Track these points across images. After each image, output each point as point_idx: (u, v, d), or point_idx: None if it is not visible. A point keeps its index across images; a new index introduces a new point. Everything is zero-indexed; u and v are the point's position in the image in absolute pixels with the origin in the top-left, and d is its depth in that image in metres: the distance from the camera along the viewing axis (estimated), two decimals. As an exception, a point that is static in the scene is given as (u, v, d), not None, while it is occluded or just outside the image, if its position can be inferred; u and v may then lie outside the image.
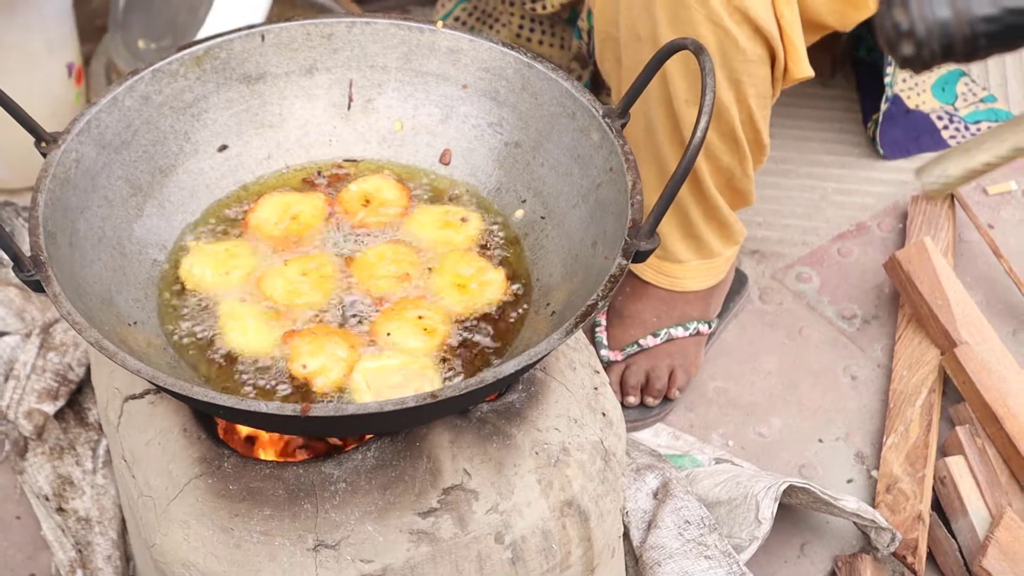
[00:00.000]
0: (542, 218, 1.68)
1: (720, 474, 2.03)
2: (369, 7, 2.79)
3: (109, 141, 1.63)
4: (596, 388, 1.69)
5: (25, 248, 2.12)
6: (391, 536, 1.49)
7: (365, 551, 1.48)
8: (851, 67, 2.71)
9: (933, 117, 2.64)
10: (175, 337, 1.59)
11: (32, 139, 1.58)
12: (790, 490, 1.98)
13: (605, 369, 2.20)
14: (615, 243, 1.50)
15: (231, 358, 1.56)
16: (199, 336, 1.59)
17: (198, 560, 1.50)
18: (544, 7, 2.41)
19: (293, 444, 1.74)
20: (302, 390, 1.53)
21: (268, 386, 1.54)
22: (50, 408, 2.09)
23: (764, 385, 2.27)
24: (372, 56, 1.75)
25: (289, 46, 1.74)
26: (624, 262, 1.47)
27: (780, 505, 1.97)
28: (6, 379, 2.12)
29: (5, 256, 1.70)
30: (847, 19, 1.99)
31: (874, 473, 2.14)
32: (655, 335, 2.20)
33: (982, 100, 2.67)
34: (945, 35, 0.95)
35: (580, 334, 1.74)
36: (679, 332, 2.21)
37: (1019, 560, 1.93)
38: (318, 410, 1.37)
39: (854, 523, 2.02)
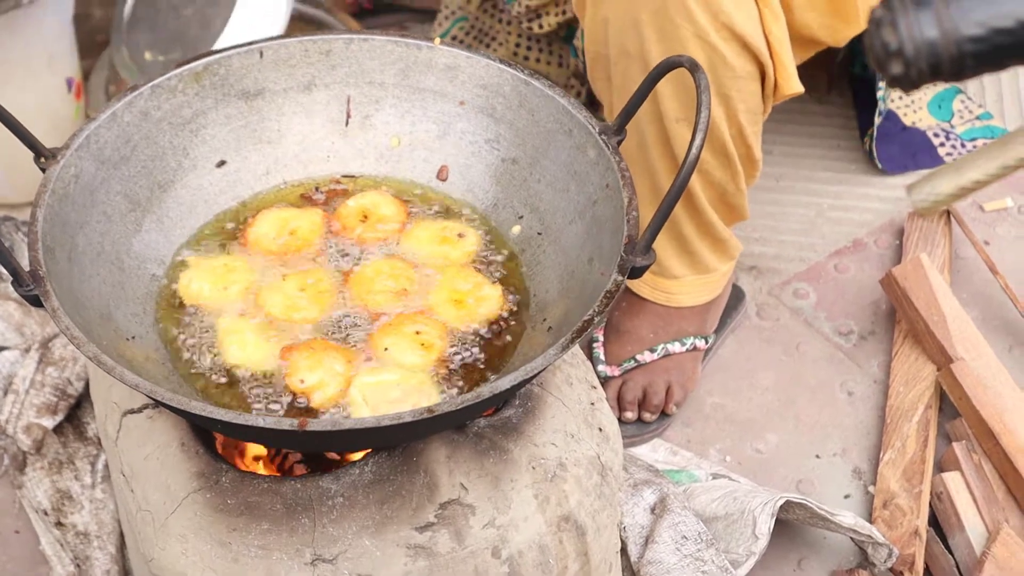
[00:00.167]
0: (539, 234, 1.68)
1: (717, 489, 2.03)
2: (367, 24, 2.81)
3: (108, 156, 1.64)
4: (593, 403, 1.69)
5: (24, 263, 2.13)
6: (388, 550, 1.49)
7: (362, 565, 1.49)
8: (847, 83, 2.72)
9: (930, 134, 2.65)
10: (173, 351, 1.59)
11: (32, 154, 1.59)
12: (787, 505, 1.98)
13: (602, 384, 2.21)
14: (611, 259, 1.51)
15: (229, 372, 1.57)
16: (197, 350, 1.59)
17: (196, 574, 1.51)
18: (540, 26, 2.42)
19: (292, 459, 1.74)
20: (300, 405, 1.54)
21: (266, 401, 1.54)
22: (49, 423, 2.09)
23: (761, 401, 2.28)
24: (370, 72, 1.76)
25: (287, 62, 1.74)
26: (620, 278, 1.47)
27: (777, 520, 1.98)
28: (5, 393, 2.13)
29: (4, 270, 1.71)
30: (839, 34, 2.00)
31: (871, 489, 2.14)
32: (652, 351, 2.20)
33: (978, 117, 2.68)
34: (933, 54, 0.96)
35: (577, 349, 1.75)
36: (676, 348, 2.21)
37: (1015, 576, 1.94)
38: (315, 425, 1.37)
39: (851, 539, 2.03)
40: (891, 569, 2.02)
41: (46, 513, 2.04)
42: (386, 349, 1.58)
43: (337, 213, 1.73)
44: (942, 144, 2.64)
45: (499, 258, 1.69)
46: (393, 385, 1.55)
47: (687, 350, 2.22)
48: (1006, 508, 2.05)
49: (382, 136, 1.78)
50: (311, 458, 1.73)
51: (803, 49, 2.06)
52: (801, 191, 2.61)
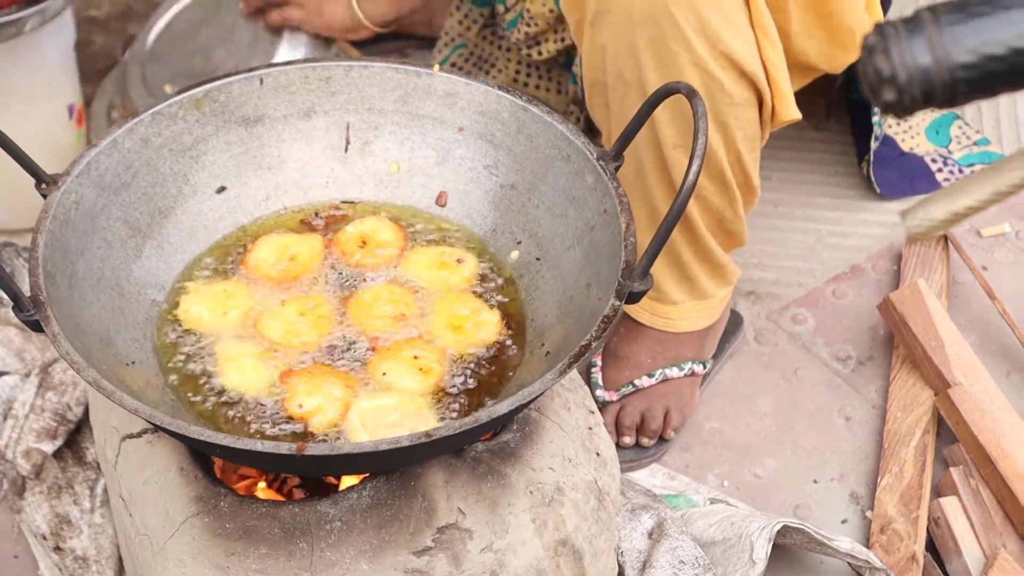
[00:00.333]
0: (537, 259, 1.69)
1: (715, 514, 2.04)
2: (367, 51, 2.82)
3: (109, 183, 1.65)
4: (590, 428, 1.70)
5: (25, 288, 2.13)
6: (386, 574, 1.50)
7: (360, 590, 1.49)
8: (845, 110, 2.73)
9: (927, 160, 2.65)
10: (173, 376, 1.60)
11: (33, 180, 1.60)
12: (784, 530, 1.99)
13: (601, 409, 2.21)
14: (609, 284, 1.51)
15: (228, 397, 1.58)
16: (197, 375, 1.60)
17: (194, 598, 1.51)
18: (540, 53, 2.43)
19: (291, 483, 1.75)
20: (299, 429, 1.55)
21: (265, 425, 1.55)
22: (48, 447, 2.10)
23: (759, 426, 2.28)
24: (369, 99, 1.77)
25: (287, 89, 1.76)
26: (618, 303, 1.48)
27: (774, 545, 1.98)
28: (5, 418, 2.13)
29: (5, 296, 1.72)
30: (835, 61, 2.01)
31: (868, 514, 2.14)
32: (650, 376, 2.21)
33: (976, 143, 2.69)
34: (926, 81, 0.97)
35: (575, 374, 1.75)
36: (674, 373, 2.22)
37: (1013, 600, 1.94)
38: (313, 449, 1.38)
39: (848, 563, 2.03)
40: (889, 594, 2.02)
41: (45, 538, 2.04)
42: (384, 374, 1.59)
43: (336, 239, 1.74)
44: (940, 170, 2.65)
45: (497, 283, 1.70)
46: (391, 410, 1.55)
47: (685, 375, 2.23)
48: (1003, 533, 2.05)
49: (381, 162, 1.79)
50: (310, 482, 1.74)
51: (800, 76, 2.07)
52: (800, 217, 2.62)
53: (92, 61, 2.82)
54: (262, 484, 1.73)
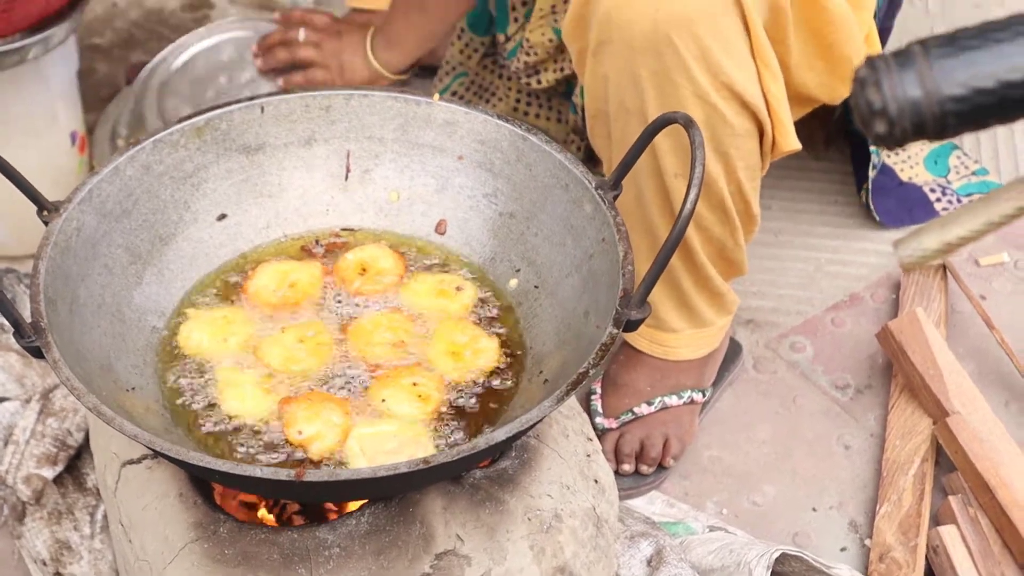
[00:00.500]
0: (536, 287, 1.70)
1: (713, 542, 2.04)
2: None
3: (110, 210, 1.66)
4: (589, 455, 1.70)
5: (26, 314, 2.14)
6: (384, 601, 1.50)
7: (358, 616, 1.50)
8: (844, 140, 2.74)
9: (926, 189, 2.66)
10: (173, 402, 1.61)
11: (35, 207, 1.61)
12: (783, 558, 1.99)
13: (600, 437, 2.21)
14: (607, 312, 1.52)
15: (228, 423, 1.58)
16: (197, 402, 1.61)
17: (192, 624, 1.52)
18: (539, 82, 2.44)
19: (290, 509, 1.75)
20: (298, 456, 1.55)
21: (264, 452, 1.56)
22: (49, 473, 2.10)
23: (758, 454, 2.28)
24: (369, 128, 1.78)
25: (288, 117, 1.77)
26: (615, 331, 1.49)
27: (773, 573, 1.98)
28: (5, 444, 2.14)
29: (6, 322, 1.72)
30: (835, 92, 2.03)
31: (867, 542, 2.15)
32: (649, 403, 2.21)
33: (974, 173, 2.70)
34: (916, 114, 0.98)
35: (573, 401, 1.76)
36: (673, 400, 2.22)
37: (1011, 629, 1.94)
38: (312, 475, 1.39)
39: (847, 592, 2.03)
40: (888, 623, 2.02)
41: (45, 563, 2.05)
42: (383, 400, 1.60)
43: (336, 266, 1.75)
44: (938, 199, 2.66)
45: (496, 311, 1.71)
46: (390, 436, 1.56)
47: (684, 403, 2.23)
48: (1002, 562, 2.05)
49: (381, 190, 1.80)
50: (309, 508, 1.74)
51: (800, 107, 2.08)
52: (799, 246, 2.63)
53: (95, 89, 2.83)
54: (262, 510, 1.74)
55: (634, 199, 1.96)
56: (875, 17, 2.12)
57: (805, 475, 2.25)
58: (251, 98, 1.75)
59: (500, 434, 1.42)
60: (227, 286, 1.73)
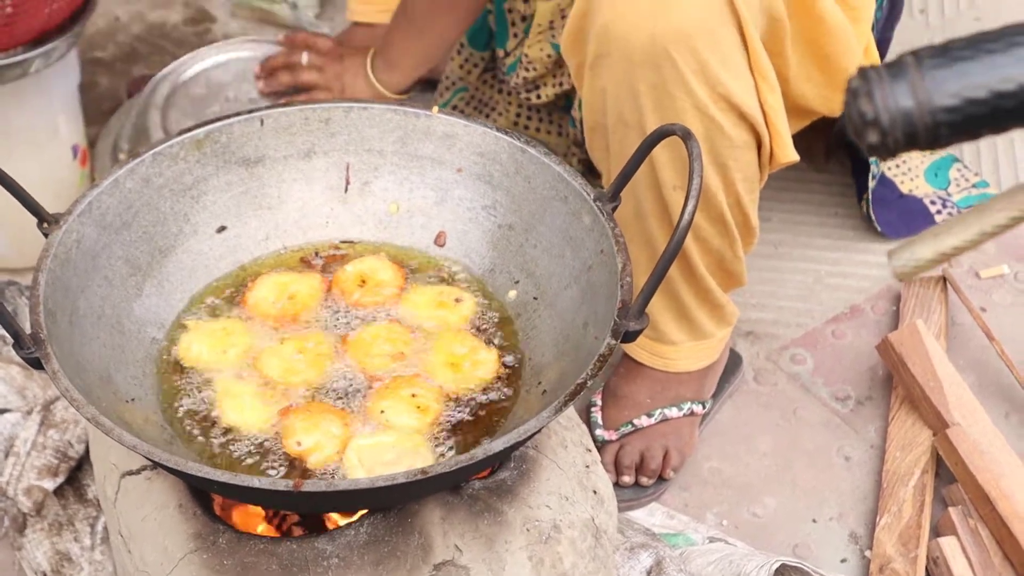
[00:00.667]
0: (534, 299, 1.70)
1: (713, 553, 2.04)
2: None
3: (110, 222, 1.66)
4: (588, 466, 1.71)
5: (27, 326, 2.14)
6: (382, 612, 1.50)
7: (356, 627, 1.50)
8: (845, 152, 2.74)
9: (926, 202, 2.67)
10: (172, 413, 1.61)
11: (35, 219, 1.62)
12: (783, 569, 1.99)
13: (600, 449, 2.22)
14: (605, 323, 1.52)
15: (227, 434, 1.59)
16: (196, 412, 1.61)
17: (191, 635, 1.52)
18: (539, 97, 2.45)
19: (290, 520, 1.75)
20: (297, 466, 1.55)
21: (263, 462, 1.56)
22: (50, 485, 2.10)
23: (758, 465, 2.29)
24: (369, 140, 1.78)
25: (288, 130, 1.77)
26: (613, 342, 1.49)
27: (773, 585, 1.99)
28: (6, 455, 2.14)
29: (7, 334, 1.73)
30: (833, 104, 2.03)
31: (867, 553, 2.15)
32: (649, 415, 2.22)
33: (974, 185, 2.70)
34: (908, 124, 0.99)
35: (572, 412, 1.76)
36: (673, 412, 2.22)
37: (1010, 641, 1.94)
38: (310, 486, 1.39)
39: (847, 603, 2.03)
40: (888, 634, 2.02)
41: (45, 575, 2.05)
42: (382, 411, 1.60)
43: (336, 278, 1.75)
44: (939, 212, 2.66)
45: (495, 322, 1.71)
46: (389, 447, 1.56)
47: (684, 415, 2.24)
48: (1002, 573, 2.05)
49: (381, 202, 1.80)
50: (309, 519, 1.74)
51: (799, 119, 2.09)
52: (799, 258, 2.63)
53: (97, 102, 2.84)
54: (261, 521, 1.74)
55: (633, 211, 1.97)
56: (873, 29, 2.12)
57: (805, 487, 2.26)
58: (251, 111, 1.76)
59: (498, 444, 1.42)
60: (226, 298, 1.73)
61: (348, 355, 1.67)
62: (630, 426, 2.22)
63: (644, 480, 2.21)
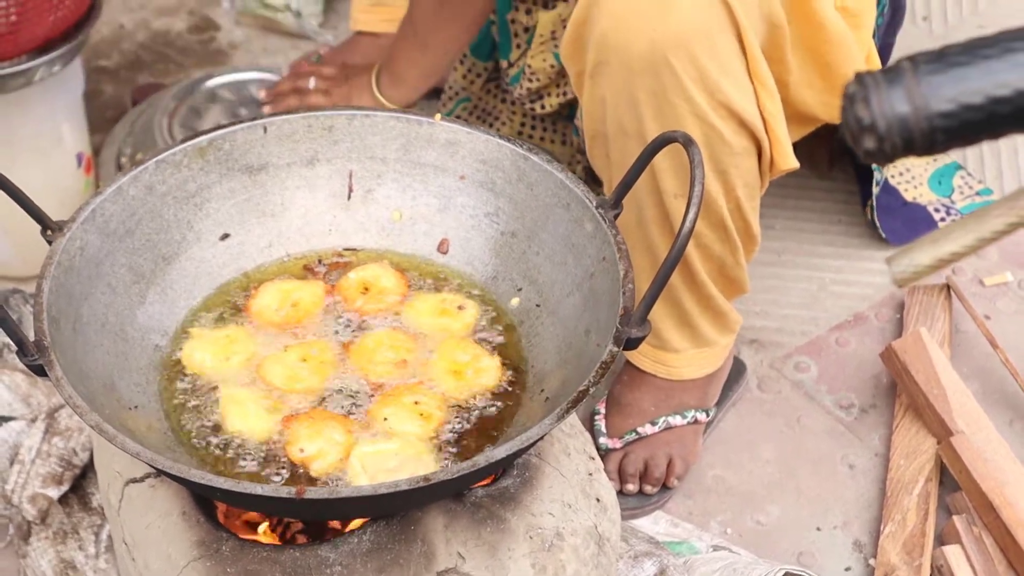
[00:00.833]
0: (537, 306, 1.71)
1: (717, 561, 2.04)
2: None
3: (113, 230, 1.67)
4: (591, 474, 1.71)
5: (31, 334, 2.15)
6: (385, 619, 1.50)
7: (359, 634, 1.50)
8: (848, 159, 2.74)
9: (930, 209, 2.67)
10: (175, 421, 1.61)
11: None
12: (786, 577, 1.99)
13: (604, 457, 2.22)
14: (607, 331, 1.53)
15: (230, 442, 1.59)
16: (199, 420, 1.61)
17: (194, 642, 1.52)
18: (543, 107, 2.45)
19: (294, 528, 1.75)
20: (299, 474, 1.56)
21: (266, 470, 1.56)
22: (54, 492, 2.11)
23: (762, 473, 2.29)
24: (372, 148, 1.79)
25: (291, 138, 1.77)
26: (615, 349, 1.49)
27: (776, 593, 1.98)
28: (11, 463, 2.14)
29: (11, 342, 1.74)
30: (835, 111, 2.03)
31: (872, 561, 2.15)
32: (653, 423, 2.22)
33: (978, 193, 2.70)
34: (905, 129, 0.99)
35: (575, 420, 1.76)
36: (677, 420, 2.23)
37: (1014, 649, 1.94)
38: (312, 493, 1.39)
39: (850, 611, 2.03)
40: (892, 642, 2.02)
41: (49, 583, 2.05)
42: (385, 419, 1.60)
43: (339, 285, 1.75)
44: (943, 219, 2.66)
45: (498, 329, 1.71)
46: (391, 454, 1.56)
47: (688, 423, 2.24)
48: (1006, 581, 2.05)
49: (384, 210, 1.80)
50: (312, 527, 1.75)
51: (801, 126, 2.09)
52: (803, 265, 2.63)
53: (101, 110, 2.85)
54: (264, 528, 1.74)
55: (635, 219, 1.97)
56: (874, 35, 2.12)
57: (809, 495, 2.26)
58: (253, 118, 1.76)
59: (500, 452, 1.43)
60: (230, 305, 1.74)
61: (351, 362, 1.67)
62: (634, 434, 2.22)
63: (648, 488, 2.21)
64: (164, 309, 1.70)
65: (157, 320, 1.69)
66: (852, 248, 2.66)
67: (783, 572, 1.97)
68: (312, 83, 2.59)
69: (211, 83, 2.73)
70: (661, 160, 1.88)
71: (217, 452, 1.58)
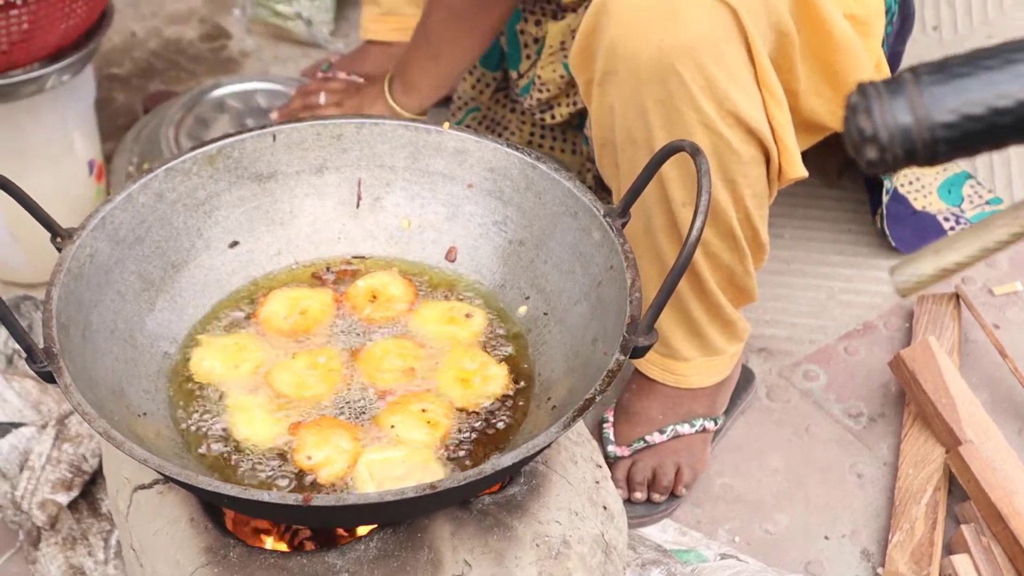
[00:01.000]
0: (545, 314, 1.71)
1: (725, 570, 2.04)
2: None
3: (123, 237, 1.67)
4: (598, 482, 1.71)
5: (41, 341, 2.16)
6: (391, 626, 1.51)
7: (366, 641, 1.50)
8: (857, 168, 2.74)
9: (940, 218, 2.67)
10: (184, 428, 1.62)
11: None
12: (794, 586, 1.99)
13: (612, 465, 2.22)
14: (614, 339, 1.53)
15: (238, 449, 1.59)
16: (207, 427, 1.62)
17: (202, 648, 1.52)
18: (553, 117, 2.46)
19: (302, 535, 1.76)
20: (307, 481, 1.56)
21: (274, 477, 1.57)
22: (64, 499, 2.11)
23: (771, 482, 2.29)
24: (380, 156, 1.79)
25: (300, 146, 1.78)
26: (622, 357, 1.50)
27: (784, 601, 1.99)
28: (21, 469, 2.15)
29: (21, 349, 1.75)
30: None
31: (880, 571, 2.14)
32: (661, 432, 2.22)
33: (988, 202, 2.70)
34: (907, 140, 0.99)
35: (582, 428, 1.77)
36: (685, 429, 2.23)
37: (1022, 658, 1.94)
38: (319, 500, 1.40)
39: (858, 620, 2.03)
40: (900, 652, 2.02)
41: (58, 588, 2.06)
42: (393, 426, 1.60)
43: (347, 293, 1.76)
44: (952, 228, 2.66)
45: (506, 338, 1.72)
46: (399, 462, 1.57)
47: (696, 431, 2.24)
48: (1014, 591, 2.05)
49: (392, 218, 1.81)
50: (320, 534, 1.75)
51: (810, 134, 2.09)
52: (812, 274, 2.63)
53: (113, 118, 2.86)
54: (272, 536, 1.75)
55: (643, 227, 1.97)
56: (883, 44, 2.13)
57: (818, 503, 2.26)
58: (262, 126, 1.77)
59: (506, 460, 1.43)
60: (239, 312, 1.74)
61: (359, 370, 1.67)
62: (642, 442, 2.22)
63: (656, 496, 2.21)
64: (173, 316, 1.71)
65: (166, 327, 1.70)
66: (861, 257, 2.66)
67: (791, 581, 1.97)
68: (323, 98, 2.60)
69: (218, 92, 2.74)
70: (669, 169, 1.88)
71: (225, 459, 1.59)
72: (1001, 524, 2.09)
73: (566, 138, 2.59)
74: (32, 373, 2.20)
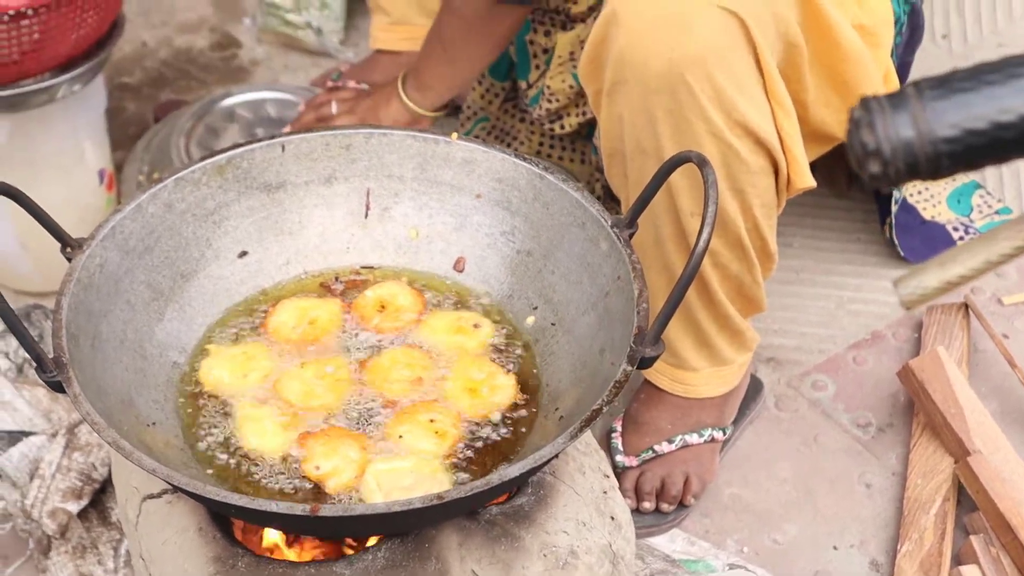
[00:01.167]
0: (552, 325, 1.71)
1: (733, 580, 2.04)
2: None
3: (132, 247, 1.68)
4: (605, 492, 1.71)
5: (51, 350, 2.17)
6: (399, 636, 1.51)
7: (373, 651, 1.50)
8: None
9: (949, 228, 2.67)
10: (192, 437, 1.62)
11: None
12: (802, 596, 1.99)
13: (621, 475, 2.22)
14: (622, 350, 1.53)
15: (247, 458, 1.60)
16: (216, 436, 1.62)
17: (210, 658, 1.53)
18: (562, 127, 2.46)
19: (310, 544, 1.76)
20: (315, 491, 1.56)
21: (282, 486, 1.57)
22: (74, 507, 2.12)
23: (779, 492, 2.29)
24: (389, 166, 1.80)
25: (309, 156, 1.79)
26: (629, 368, 1.50)
27: (792, 611, 1.99)
28: (31, 478, 2.16)
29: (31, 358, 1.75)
30: (854, 131, 2.03)
31: (888, 581, 2.15)
32: (670, 441, 2.22)
33: (997, 212, 2.70)
34: (909, 154, 0.99)
35: (590, 438, 1.77)
36: (694, 439, 2.23)
37: (1031, 669, 1.93)
38: (327, 510, 1.40)
39: (866, 630, 2.03)
40: (908, 662, 2.02)
41: (68, 597, 2.06)
42: (401, 436, 1.61)
43: (355, 303, 1.77)
44: (961, 238, 2.66)
45: (513, 348, 1.72)
46: (407, 472, 1.57)
47: (705, 441, 2.24)
48: (1023, 601, 2.05)
49: (401, 228, 1.82)
50: (328, 543, 1.75)
51: (819, 145, 2.09)
52: (821, 284, 2.63)
53: (124, 127, 2.87)
54: (280, 545, 1.75)
55: (652, 238, 1.98)
56: (893, 54, 2.13)
57: (826, 513, 2.25)
58: (272, 137, 1.78)
59: (514, 470, 1.43)
60: (247, 322, 1.75)
61: (367, 380, 1.68)
62: (651, 452, 2.22)
63: (665, 506, 2.21)
64: (182, 326, 1.71)
65: (175, 337, 1.70)
66: (870, 267, 2.66)
67: (799, 591, 1.97)
68: (334, 107, 2.61)
69: (228, 102, 2.75)
70: (678, 179, 1.88)
71: (233, 468, 1.59)
72: (1010, 535, 2.08)
73: (575, 148, 2.59)
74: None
